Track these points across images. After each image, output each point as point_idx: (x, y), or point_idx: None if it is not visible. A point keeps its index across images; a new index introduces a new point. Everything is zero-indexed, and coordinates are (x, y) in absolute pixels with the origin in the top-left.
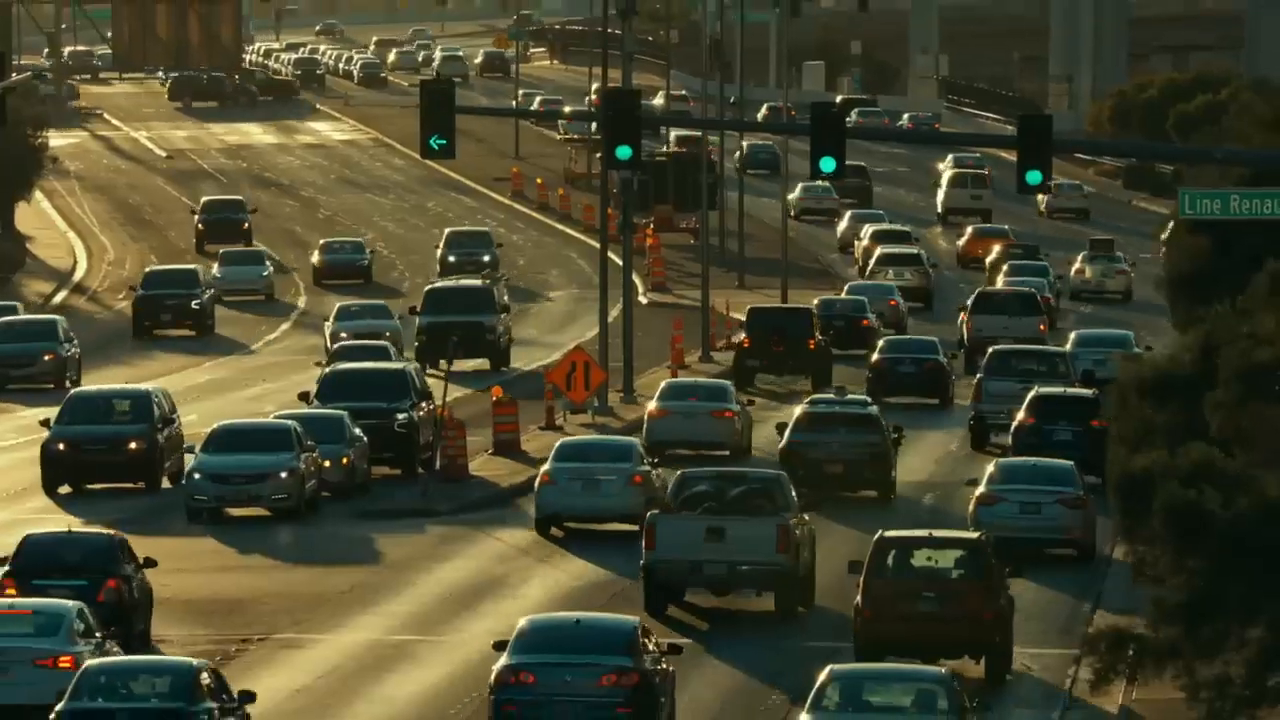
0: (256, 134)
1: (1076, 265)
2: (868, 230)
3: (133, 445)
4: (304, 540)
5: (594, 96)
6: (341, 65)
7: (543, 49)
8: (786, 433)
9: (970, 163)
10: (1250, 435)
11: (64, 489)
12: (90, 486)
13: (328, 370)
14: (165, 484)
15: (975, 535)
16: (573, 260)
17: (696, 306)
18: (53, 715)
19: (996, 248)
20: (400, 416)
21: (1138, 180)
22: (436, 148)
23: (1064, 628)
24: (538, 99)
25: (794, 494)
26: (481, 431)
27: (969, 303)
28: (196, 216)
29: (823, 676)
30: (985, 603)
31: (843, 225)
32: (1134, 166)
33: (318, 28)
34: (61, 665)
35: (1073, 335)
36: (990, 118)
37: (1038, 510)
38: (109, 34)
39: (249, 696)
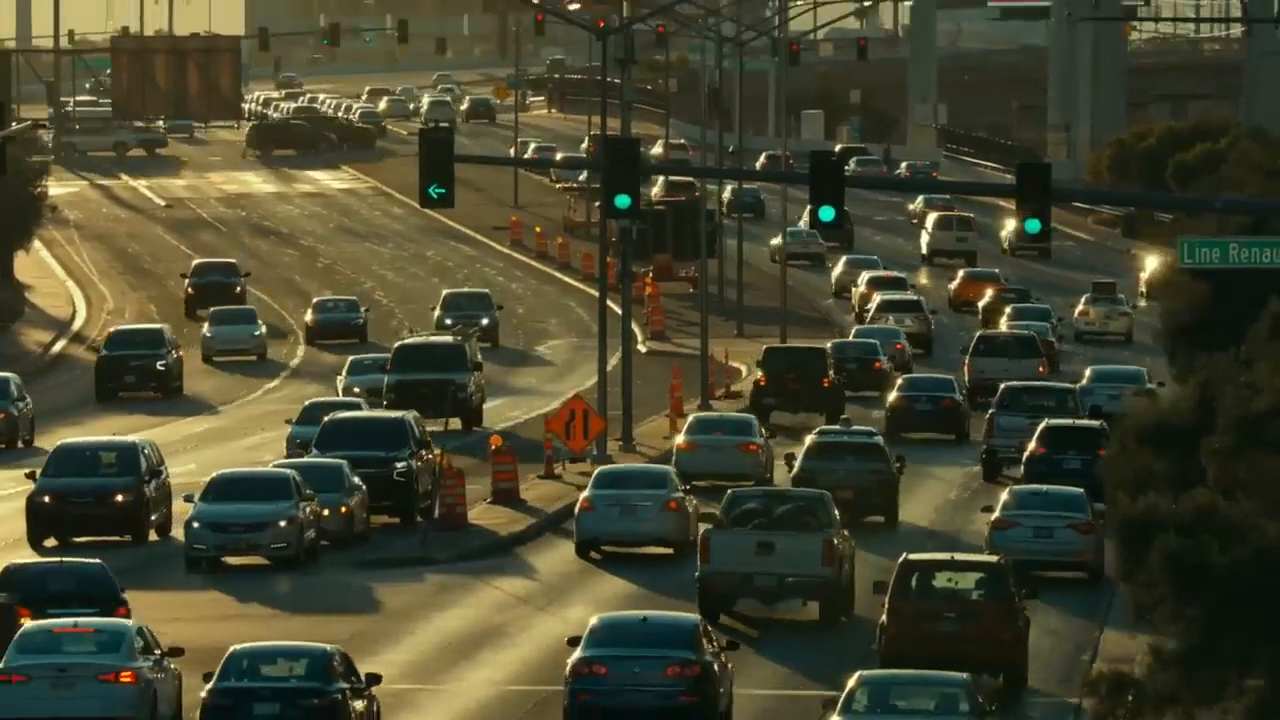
0: (256, 183)
1: (1080, 307)
2: (864, 277)
3: (119, 498)
4: (303, 589)
5: (589, 144)
6: (340, 114)
7: (541, 98)
8: (798, 461)
9: (940, 204)
10: (1248, 484)
11: (50, 542)
12: (77, 539)
13: (327, 419)
14: (153, 536)
15: (995, 559)
16: (572, 309)
17: (696, 355)
18: (203, 694)
19: (990, 291)
20: (399, 465)
21: (1137, 229)
22: (436, 196)
23: (1064, 676)
24: (532, 146)
25: (835, 512)
26: (480, 480)
27: (970, 345)
28: (186, 280)
29: (852, 682)
30: (1004, 623)
31: (837, 270)
32: (1132, 215)
33: (278, 79)
34: (123, 680)
35: (1088, 371)
36: (989, 166)
37: (1050, 534)
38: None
39: (375, 679)
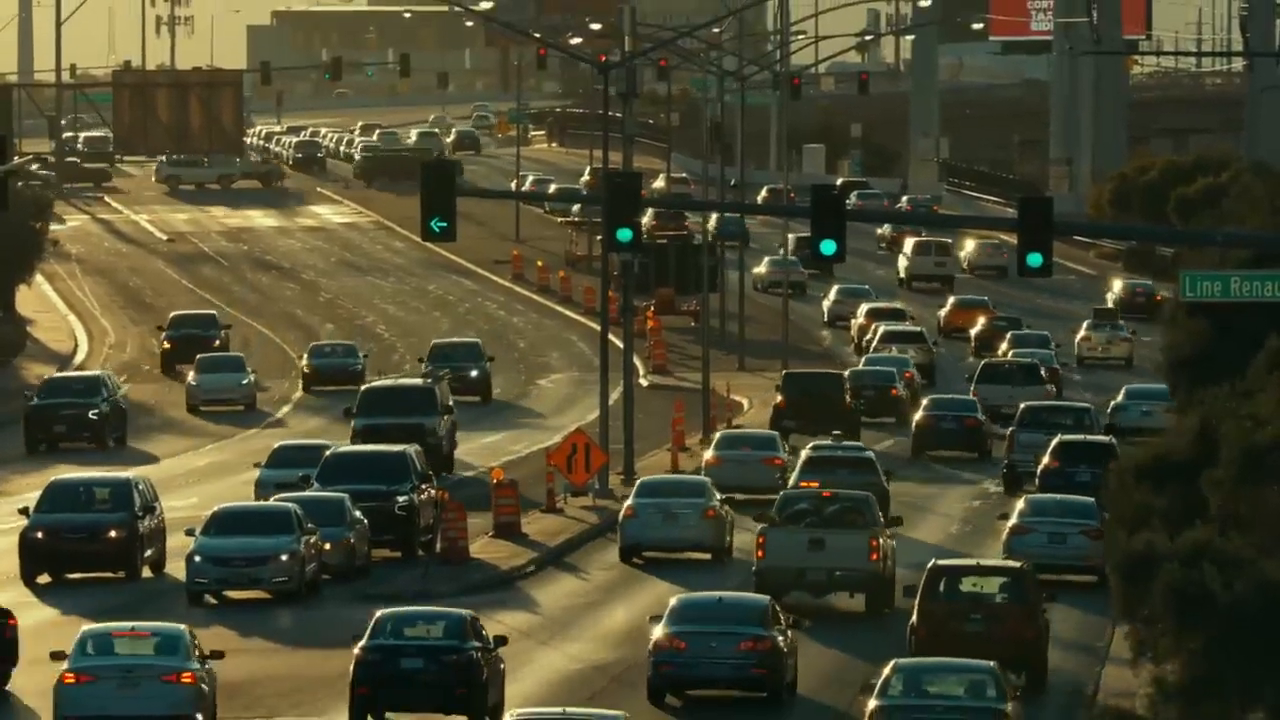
0: (257, 217)
1: (1082, 333)
2: (863, 308)
3: (112, 534)
4: (304, 623)
5: (590, 177)
6: (342, 148)
7: (541, 131)
8: (794, 475)
9: (911, 228)
10: (1249, 518)
11: (43, 578)
12: (70, 576)
13: (329, 453)
14: (147, 573)
15: (1018, 564)
16: (573, 343)
17: (697, 389)
18: (357, 649)
19: (982, 319)
20: (401, 499)
21: (1138, 263)
22: (437, 230)
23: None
24: (530, 179)
25: (879, 511)
26: (482, 514)
27: (975, 373)
28: (163, 334)
29: (887, 669)
30: (1026, 624)
31: (829, 299)
32: (1134, 249)
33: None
34: (184, 681)
35: (1122, 390)
36: (991, 200)
37: (1063, 540)
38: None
39: (502, 640)
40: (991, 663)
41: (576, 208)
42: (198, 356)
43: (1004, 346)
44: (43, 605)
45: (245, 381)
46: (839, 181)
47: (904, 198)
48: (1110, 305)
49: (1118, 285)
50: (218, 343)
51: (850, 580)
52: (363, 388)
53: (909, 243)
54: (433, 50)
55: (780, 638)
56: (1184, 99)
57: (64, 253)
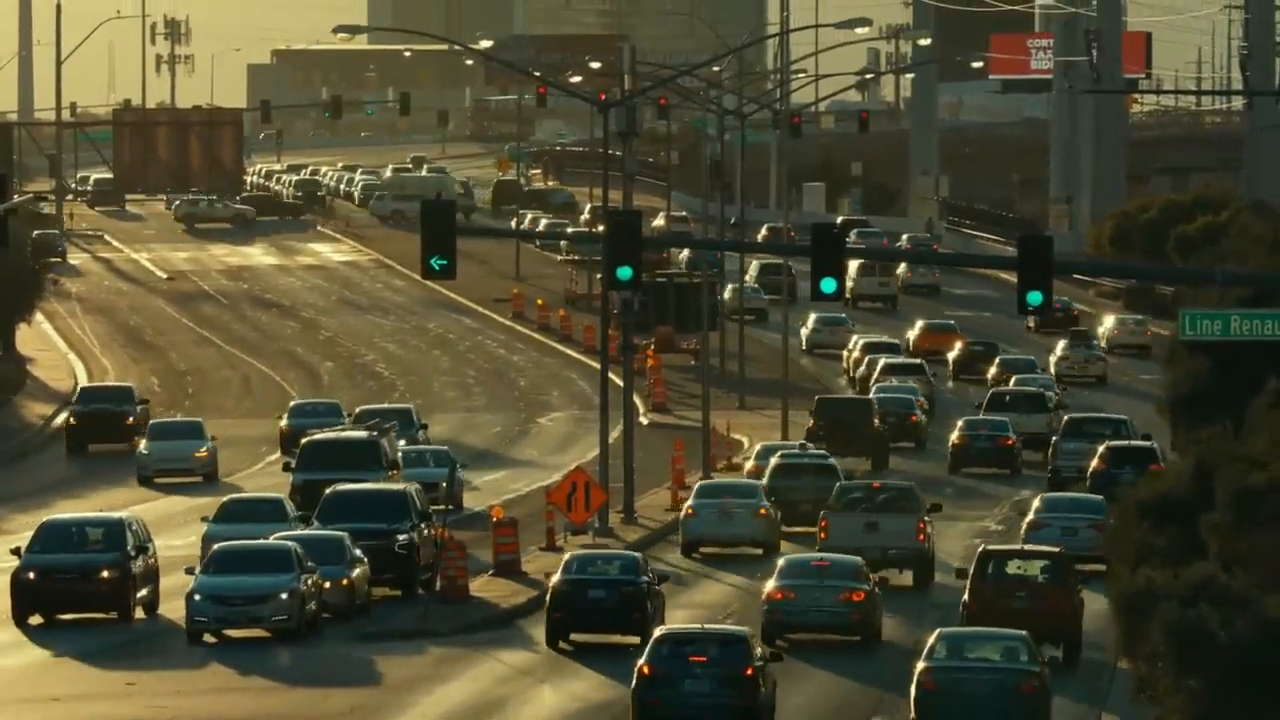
0: (257, 255)
1: (1060, 353)
2: (857, 341)
3: (104, 574)
4: (304, 662)
5: (587, 215)
6: (342, 186)
7: (538, 170)
8: (765, 478)
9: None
10: (1247, 558)
11: (35, 619)
12: (61, 616)
13: (329, 491)
14: (140, 614)
15: (1056, 550)
16: (574, 381)
17: (697, 427)
18: (552, 582)
19: (958, 344)
20: (401, 538)
21: (1138, 302)
22: (437, 268)
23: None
24: (529, 218)
25: (923, 498)
26: (482, 552)
27: (984, 401)
28: (69, 408)
29: (933, 637)
30: (1064, 602)
31: (808, 328)
32: (1134, 288)
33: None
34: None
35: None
36: (990, 239)
37: (1075, 533)
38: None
39: (664, 578)
40: (1024, 632)
41: (564, 244)
42: (150, 422)
43: (993, 371)
44: (34, 646)
45: (203, 450)
46: (839, 220)
47: (903, 235)
48: (1103, 344)
49: (1110, 320)
50: (130, 419)
51: (900, 558)
52: (304, 440)
53: (853, 265)
54: (432, 89)
55: (873, 591)
56: (1184, 138)
57: (64, 291)
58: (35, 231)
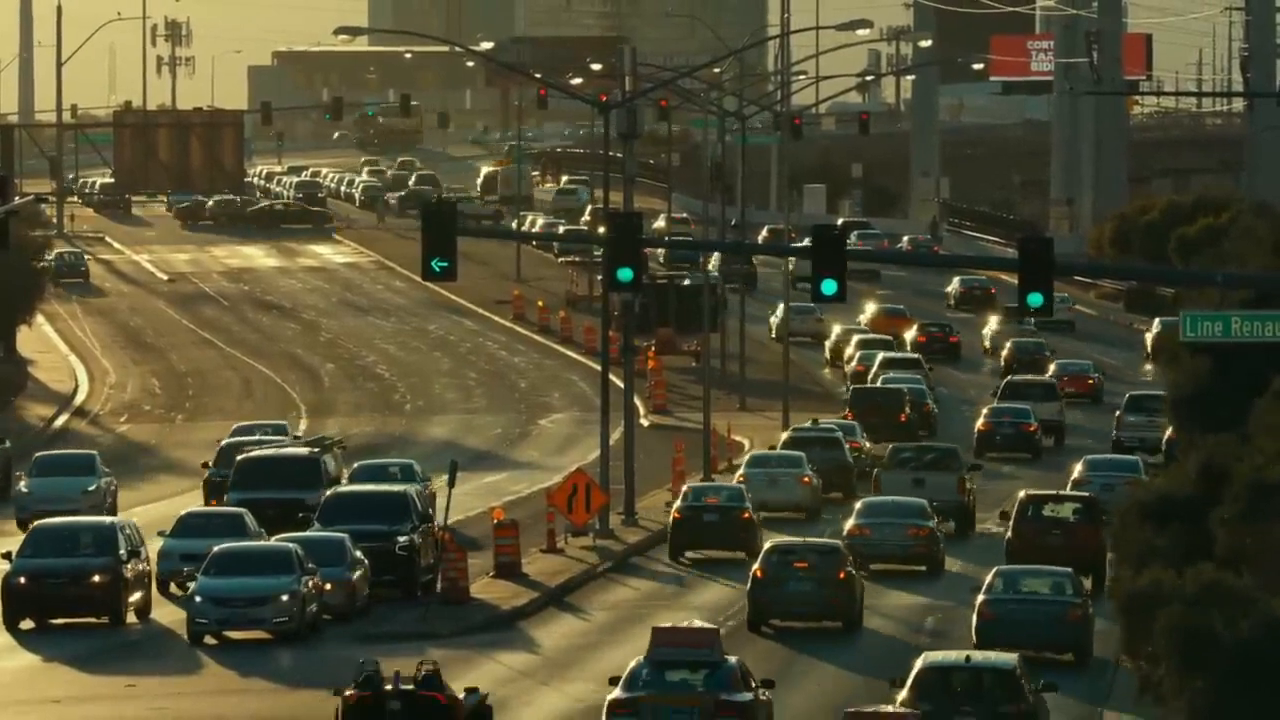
0: (258, 257)
1: (994, 327)
2: (853, 337)
3: (96, 578)
4: (305, 663)
5: (588, 216)
6: (343, 189)
7: (536, 172)
8: (779, 448)
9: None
10: (1255, 555)
11: (26, 624)
12: (53, 621)
13: (329, 493)
14: (132, 618)
15: (1088, 494)
16: (574, 383)
17: (698, 429)
18: (675, 510)
19: (913, 328)
20: (401, 539)
21: (1139, 303)
22: (438, 270)
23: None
24: (529, 219)
25: (963, 458)
26: (483, 554)
27: (999, 389)
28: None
29: (990, 576)
30: (1093, 539)
31: (776, 316)
32: (1135, 289)
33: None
34: None
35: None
36: (991, 240)
37: (1112, 489)
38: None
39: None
40: (1069, 569)
41: (556, 246)
42: (35, 455)
43: (1005, 353)
44: (25, 651)
45: (92, 487)
46: (839, 221)
47: (904, 237)
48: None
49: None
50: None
51: (944, 509)
52: (239, 458)
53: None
54: (433, 89)
55: (936, 528)
56: (1185, 139)
57: (65, 293)
58: (57, 250)
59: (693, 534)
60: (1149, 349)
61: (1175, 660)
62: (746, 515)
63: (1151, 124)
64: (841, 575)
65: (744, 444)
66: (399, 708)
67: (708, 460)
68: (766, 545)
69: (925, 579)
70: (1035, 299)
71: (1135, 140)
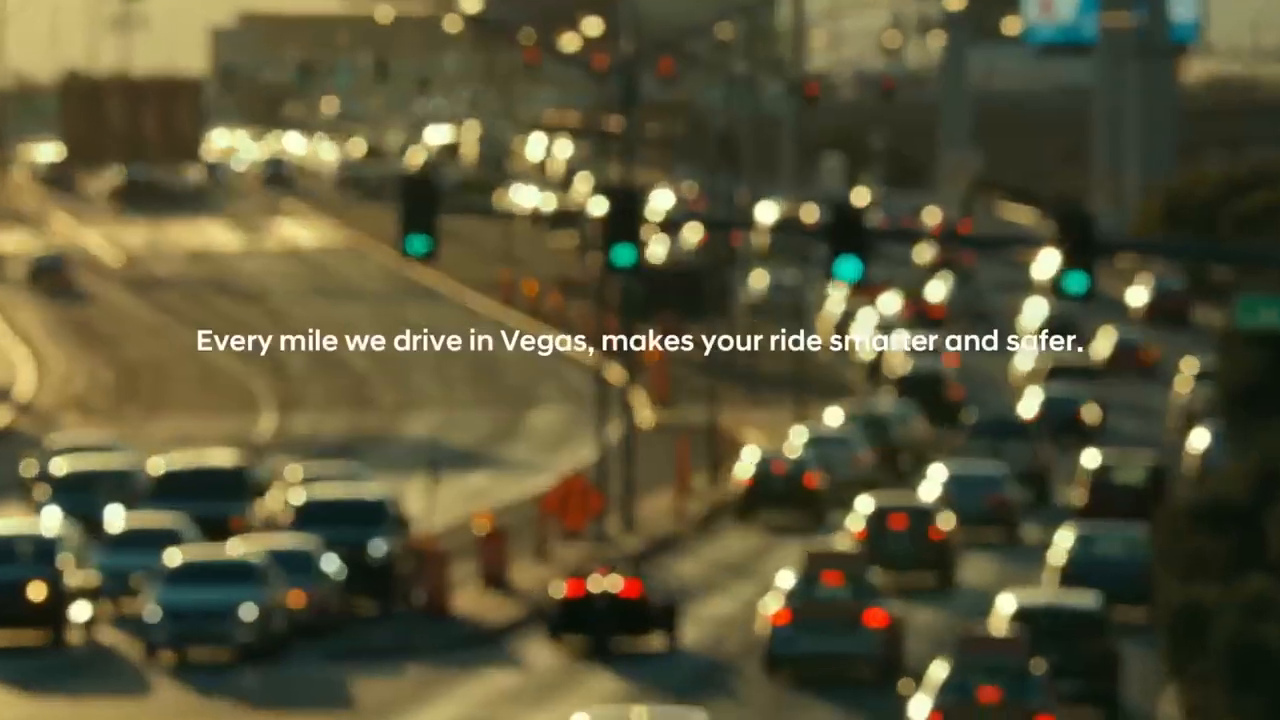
0: (219, 236)
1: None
2: (863, 316)
3: (34, 591)
4: (271, 683)
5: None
6: (310, 164)
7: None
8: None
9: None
10: None
11: None
12: None
13: (303, 502)
14: (76, 636)
15: (1155, 458)
16: (568, 374)
17: (704, 425)
18: (742, 476)
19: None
20: (376, 548)
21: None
22: (417, 250)
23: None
24: (522, 192)
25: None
26: (466, 563)
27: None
28: None
29: (1059, 536)
30: (1159, 498)
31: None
32: (1189, 271)
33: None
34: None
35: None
36: (1026, 216)
37: None
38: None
39: None
40: (1136, 531)
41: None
42: None
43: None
44: None
45: None
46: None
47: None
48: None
49: (1145, 290)
50: None
51: (1022, 479)
52: (162, 470)
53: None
54: (412, 54)
55: (1013, 495)
56: (1239, 107)
57: (5, 275)
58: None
59: (762, 499)
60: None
61: (1227, 681)
62: (811, 483)
63: (1204, 89)
64: (934, 534)
65: (751, 447)
66: (605, 606)
67: (715, 461)
68: (868, 509)
69: (1003, 547)
70: (1076, 280)
71: (1186, 108)
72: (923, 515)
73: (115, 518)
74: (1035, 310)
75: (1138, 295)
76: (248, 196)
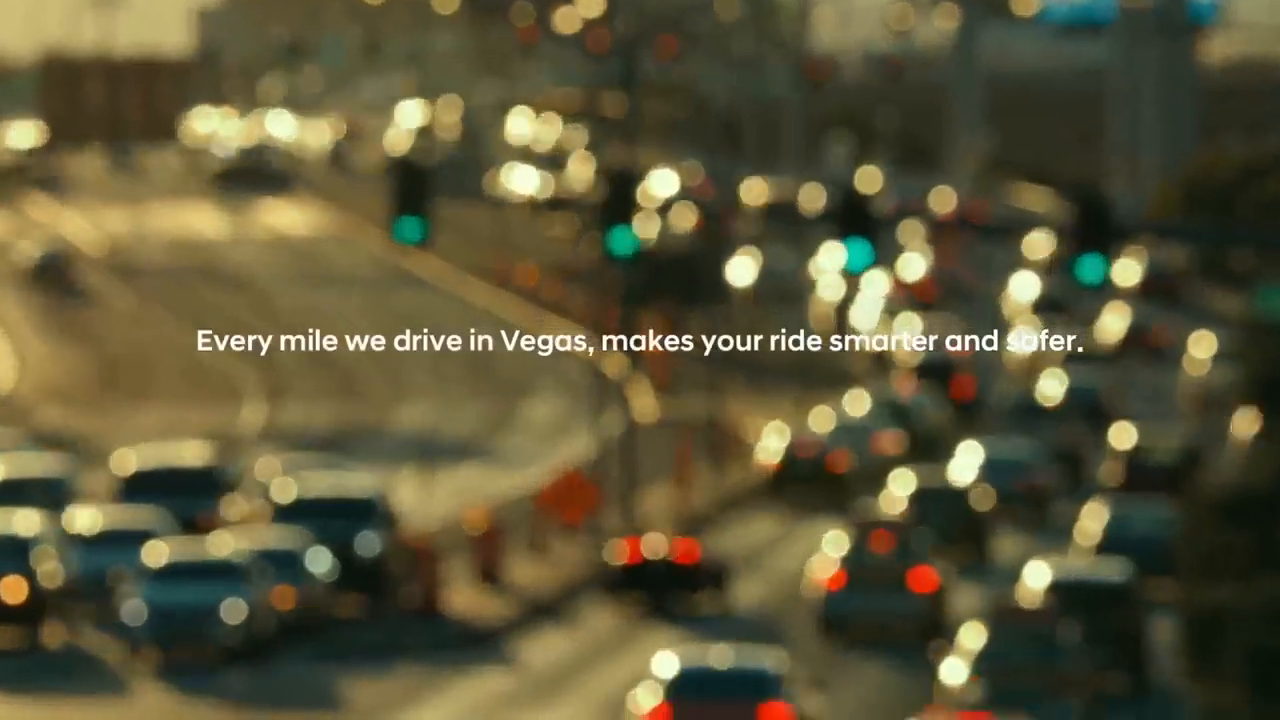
0: (206, 224)
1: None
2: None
3: (8, 591)
4: (258, 684)
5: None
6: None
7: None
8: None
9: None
10: None
11: None
12: None
13: (287, 500)
14: (54, 636)
15: (1188, 438)
16: (565, 365)
17: (704, 417)
18: (773, 457)
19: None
20: (365, 544)
21: (1210, 274)
22: (409, 236)
23: None
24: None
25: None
26: (458, 560)
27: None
28: None
29: (1086, 509)
30: (1191, 478)
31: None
32: (1208, 257)
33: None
34: None
35: None
36: (1040, 200)
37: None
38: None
39: None
40: (1164, 509)
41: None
42: None
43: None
44: None
45: None
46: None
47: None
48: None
49: (1138, 268)
50: None
51: (1056, 456)
52: (134, 470)
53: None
54: (403, 33)
55: (1052, 474)
56: (1260, 87)
57: None
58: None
59: (789, 481)
60: None
61: (1248, 685)
62: (837, 466)
63: (1224, 70)
64: (971, 512)
65: (752, 442)
66: (663, 570)
67: (715, 449)
68: (909, 488)
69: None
70: (1092, 266)
71: (1204, 88)
72: (958, 495)
73: (89, 516)
74: (1024, 289)
75: (1131, 273)
76: (233, 180)
